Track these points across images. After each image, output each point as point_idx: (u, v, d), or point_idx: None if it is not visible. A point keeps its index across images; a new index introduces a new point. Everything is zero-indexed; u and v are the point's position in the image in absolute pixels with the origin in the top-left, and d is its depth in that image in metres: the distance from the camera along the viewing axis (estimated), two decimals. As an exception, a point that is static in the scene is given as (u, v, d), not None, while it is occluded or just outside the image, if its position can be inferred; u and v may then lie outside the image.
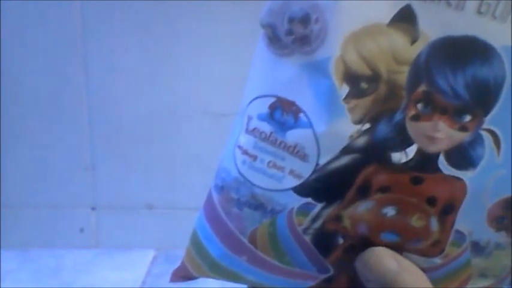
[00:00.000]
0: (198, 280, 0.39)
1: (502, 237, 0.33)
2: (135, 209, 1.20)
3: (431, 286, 0.33)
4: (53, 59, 1.14)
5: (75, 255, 1.19)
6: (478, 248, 0.33)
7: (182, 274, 0.38)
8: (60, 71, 1.15)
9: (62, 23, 1.13)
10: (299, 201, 0.32)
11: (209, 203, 0.35)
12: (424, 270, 0.33)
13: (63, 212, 1.21)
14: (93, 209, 1.21)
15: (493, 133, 0.30)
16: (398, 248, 0.33)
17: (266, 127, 0.32)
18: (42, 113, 1.17)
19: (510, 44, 0.29)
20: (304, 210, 0.32)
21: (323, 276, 0.34)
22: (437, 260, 0.33)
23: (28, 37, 1.13)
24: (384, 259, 0.32)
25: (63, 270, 1.15)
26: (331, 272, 0.34)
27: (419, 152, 0.30)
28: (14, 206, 1.20)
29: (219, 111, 1.13)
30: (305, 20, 0.30)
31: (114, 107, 1.16)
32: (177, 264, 0.39)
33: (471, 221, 0.32)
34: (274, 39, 0.32)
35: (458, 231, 0.32)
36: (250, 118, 0.33)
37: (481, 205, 0.32)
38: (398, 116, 0.30)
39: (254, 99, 0.33)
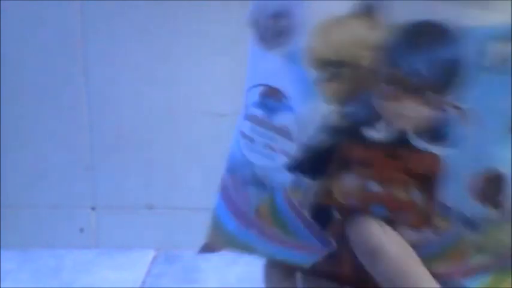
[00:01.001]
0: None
1: (489, 211, 0.35)
2: (135, 209, 1.20)
3: (418, 260, 0.35)
4: (53, 59, 1.14)
5: (75, 255, 1.19)
6: (467, 222, 0.35)
7: (208, 248, 0.42)
8: (60, 71, 1.15)
9: (62, 23, 1.13)
10: (290, 176, 0.35)
11: (222, 183, 0.39)
12: (417, 245, 0.35)
13: (63, 212, 1.21)
14: (93, 209, 1.21)
15: (460, 109, 0.32)
16: (388, 222, 0.35)
17: (259, 112, 0.36)
18: (42, 113, 1.17)
19: (474, 25, 0.31)
20: (296, 184, 0.36)
21: (327, 250, 0.36)
22: (428, 235, 0.35)
23: (28, 37, 1.13)
24: (371, 228, 0.35)
25: (63, 270, 1.15)
26: (334, 246, 0.36)
27: (391, 129, 0.33)
28: (14, 206, 1.21)
29: (219, 111, 1.13)
30: (278, 16, 0.35)
31: (114, 107, 1.16)
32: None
33: (454, 195, 0.34)
34: (258, 35, 0.36)
35: (443, 204, 0.34)
36: (247, 106, 0.38)
37: (461, 179, 0.34)
38: (367, 96, 0.33)
39: (249, 89, 0.38)
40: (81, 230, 1.22)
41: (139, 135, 1.17)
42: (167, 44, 1.12)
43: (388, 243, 0.34)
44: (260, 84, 0.36)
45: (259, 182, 0.37)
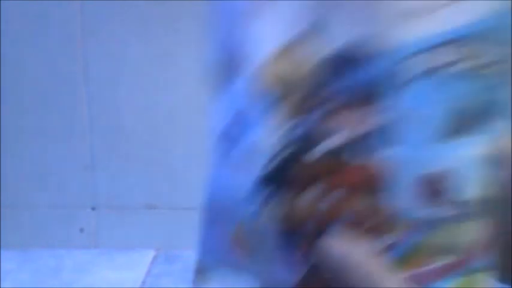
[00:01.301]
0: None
1: (441, 212, 0.38)
2: (135, 209, 1.20)
3: (383, 267, 0.37)
4: (53, 59, 1.14)
5: (75, 255, 1.19)
6: (423, 224, 0.38)
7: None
8: (60, 71, 1.15)
9: (62, 23, 1.13)
10: (260, 193, 0.38)
11: (200, 226, 0.43)
12: (381, 251, 0.37)
13: (63, 212, 1.21)
14: (93, 209, 1.21)
15: (392, 119, 0.36)
16: (355, 228, 0.37)
17: (228, 136, 0.40)
18: (42, 113, 1.17)
19: (383, 46, 0.35)
20: (266, 201, 0.38)
21: (300, 271, 0.38)
22: (390, 239, 0.37)
23: (28, 37, 1.13)
24: (335, 241, 0.37)
25: (63, 270, 1.15)
26: (305, 267, 0.38)
27: (336, 142, 0.37)
28: (14, 206, 1.21)
29: (219, 111, 1.13)
30: (237, 50, 0.39)
31: (114, 107, 1.16)
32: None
33: (405, 199, 0.37)
34: (225, 68, 0.41)
35: (397, 209, 0.37)
36: (219, 130, 0.42)
37: (406, 183, 0.37)
38: (313, 115, 0.37)
39: (221, 114, 0.42)
40: (81, 230, 1.22)
41: (139, 135, 1.17)
42: (167, 44, 1.12)
43: (355, 254, 0.37)
44: (229, 110, 0.41)
45: (229, 214, 0.40)
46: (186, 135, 1.16)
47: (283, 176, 0.38)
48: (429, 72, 0.36)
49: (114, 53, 1.13)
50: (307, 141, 0.37)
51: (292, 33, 0.38)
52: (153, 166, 1.18)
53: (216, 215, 0.41)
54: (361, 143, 0.37)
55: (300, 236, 0.38)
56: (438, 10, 0.36)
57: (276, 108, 0.38)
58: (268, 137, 0.38)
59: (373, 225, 0.37)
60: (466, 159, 0.38)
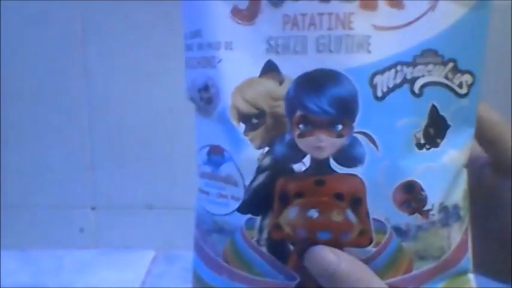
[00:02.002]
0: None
1: (418, 219, 0.40)
2: (135, 209, 1.20)
3: (371, 272, 0.39)
4: (53, 59, 1.14)
5: (75, 255, 1.19)
6: (401, 232, 0.40)
7: None
8: (60, 71, 1.15)
9: (62, 23, 1.13)
10: (244, 218, 0.41)
11: (194, 238, 0.45)
12: (364, 261, 0.40)
13: (63, 212, 1.21)
14: (93, 209, 1.21)
15: (365, 134, 0.38)
16: (335, 244, 0.39)
17: (208, 168, 0.44)
18: (42, 113, 1.17)
19: (350, 67, 0.38)
20: (249, 225, 0.41)
21: (293, 284, 0.40)
22: (371, 249, 0.40)
23: (28, 37, 1.13)
24: (322, 254, 0.39)
25: (63, 270, 1.15)
26: (298, 278, 0.40)
27: (313, 160, 0.39)
28: (14, 206, 1.21)
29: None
30: (206, 87, 0.42)
31: (114, 107, 1.16)
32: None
33: (382, 209, 0.39)
34: (197, 106, 0.45)
35: (376, 220, 0.40)
36: (199, 165, 0.46)
37: (382, 194, 0.39)
38: (287, 137, 0.39)
39: (198, 151, 0.46)
40: (81, 230, 1.22)
41: (139, 135, 1.17)
42: (167, 43, 1.12)
43: (342, 267, 0.38)
44: (206, 145, 0.44)
45: (220, 229, 0.42)
46: (186, 135, 1.16)
47: (262, 200, 0.40)
48: (400, 85, 0.39)
49: (114, 53, 1.13)
50: (283, 166, 0.39)
51: (256, 68, 0.40)
52: (153, 166, 1.18)
53: (207, 231, 0.43)
54: (339, 157, 0.39)
55: (287, 250, 0.40)
56: (406, 26, 0.39)
57: (250, 135, 0.40)
58: (246, 164, 0.40)
59: (354, 237, 0.39)
60: (437, 168, 0.40)
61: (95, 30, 1.13)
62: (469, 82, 0.41)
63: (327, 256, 0.38)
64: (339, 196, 0.39)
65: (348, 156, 0.39)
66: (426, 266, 0.41)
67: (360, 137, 0.38)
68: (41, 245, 1.20)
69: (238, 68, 0.40)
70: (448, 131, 0.41)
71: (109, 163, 1.19)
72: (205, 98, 0.43)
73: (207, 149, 0.44)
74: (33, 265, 1.16)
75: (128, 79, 1.15)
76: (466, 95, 0.41)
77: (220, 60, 0.41)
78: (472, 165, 0.43)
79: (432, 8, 0.38)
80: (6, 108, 1.16)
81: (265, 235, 0.40)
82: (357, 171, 0.39)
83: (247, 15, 0.40)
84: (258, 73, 0.40)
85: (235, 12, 0.40)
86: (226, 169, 0.42)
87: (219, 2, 0.41)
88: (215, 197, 0.43)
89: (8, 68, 1.14)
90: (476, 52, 0.41)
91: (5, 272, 1.12)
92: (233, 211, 0.41)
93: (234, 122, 0.40)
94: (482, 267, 0.45)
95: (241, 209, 0.41)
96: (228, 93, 0.40)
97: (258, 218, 0.40)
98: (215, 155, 0.42)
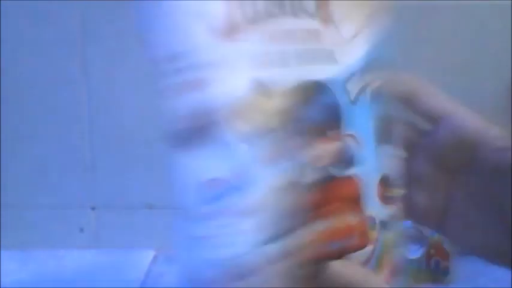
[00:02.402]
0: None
1: (395, 211, 0.43)
2: (135, 209, 1.20)
3: (375, 276, 0.40)
4: (53, 59, 1.14)
5: (75, 255, 1.19)
6: (384, 225, 0.42)
7: None
8: (60, 71, 1.15)
9: (62, 23, 1.13)
10: (262, 255, 0.39)
11: None
12: (364, 263, 0.40)
13: (63, 212, 1.21)
14: (92, 208, 1.21)
15: (351, 136, 0.40)
16: (342, 253, 0.40)
17: (208, 208, 0.42)
18: (42, 113, 1.17)
19: (327, 77, 0.40)
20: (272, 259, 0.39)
21: None
22: (369, 248, 0.41)
23: (28, 37, 1.13)
24: (335, 267, 0.39)
25: (63, 270, 1.15)
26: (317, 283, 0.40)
27: (315, 170, 0.40)
28: (14, 206, 1.20)
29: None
30: (196, 114, 0.41)
31: (114, 107, 1.16)
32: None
33: (372, 204, 0.41)
34: (179, 142, 0.47)
35: (370, 217, 0.41)
36: (193, 213, 0.44)
37: (370, 190, 0.41)
38: (290, 151, 0.39)
39: (186, 192, 0.46)
40: (81, 230, 1.22)
41: (139, 135, 1.17)
42: (167, 44, 1.12)
43: (356, 275, 0.38)
44: (199, 183, 0.42)
45: (237, 273, 0.39)
46: (186, 135, 1.16)
47: (284, 220, 0.39)
48: (364, 88, 0.42)
49: (114, 53, 1.13)
50: (292, 181, 0.39)
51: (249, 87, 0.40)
52: (153, 166, 1.18)
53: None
54: (334, 167, 0.40)
55: (301, 265, 0.39)
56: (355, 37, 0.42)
57: (256, 156, 0.39)
58: (256, 189, 0.39)
59: (358, 240, 0.40)
60: (393, 164, 0.44)
61: (95, 30, 1.13)
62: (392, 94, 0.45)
63: (343, 271, 0.38)
64: (346, 197, 0.40)
65: (343, 159, 0.40)
66: (395, 258, 0.44)
67: (348, 139, 0.40)
68: (41, 245, 1.20)
69: (228, 87, 0.40)
70: (394, 132, 0.45)
71: (109, 163, 1.19)
72: (196, 126, 0.41)
73: (203, 185, 0.41)
74: (33, 265, 1.16)
75: (128, 79, 1.15)
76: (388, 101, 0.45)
77: (209, 82, 0.39)
78: (486, 149, 0.45)
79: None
80: (6, 108, 1.16)
81: (280, 253, 0.39)
82: (352, 172, 0.40)
83: (228, 32, 0.40)
84: (247, 90, 0.39)
85: (217, 30, 0.40)
86: (232, 201, 0.39)
87: (197, 21, 0.41)
88: (222, 238, 0.40)
89: (8, 68, 1.14)
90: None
91: (5, 272, 1.12)
92: (247, 248, 0.39)
93: (236, 144, 0.39)
94: (483, 251, 0.46)
95: (263, 238, 0.39)
96: (224, 115, 0.39)
97: (277, 250, 0.39)
98: (214, 190, 0.40)
